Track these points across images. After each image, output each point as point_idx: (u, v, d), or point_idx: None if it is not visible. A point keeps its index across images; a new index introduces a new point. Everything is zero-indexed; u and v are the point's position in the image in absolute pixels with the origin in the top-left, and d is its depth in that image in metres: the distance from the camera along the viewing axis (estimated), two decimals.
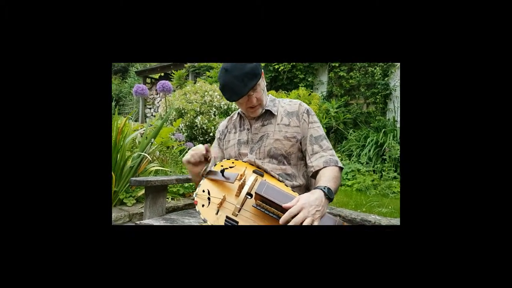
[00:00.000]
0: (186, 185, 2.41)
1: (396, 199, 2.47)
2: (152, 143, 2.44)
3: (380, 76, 4.21)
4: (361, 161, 3.39)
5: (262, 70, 1.06)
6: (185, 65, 7.21)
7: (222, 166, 1.02)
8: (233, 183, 0.93)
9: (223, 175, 0.94)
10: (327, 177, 0.95)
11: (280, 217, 0.80)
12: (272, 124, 1.10)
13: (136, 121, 8.21)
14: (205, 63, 6.56)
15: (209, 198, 0.91)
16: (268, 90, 3.91)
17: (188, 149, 3.28)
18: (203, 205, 0.90)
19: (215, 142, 1.26)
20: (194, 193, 0.94)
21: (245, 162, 1.07)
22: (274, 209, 0.83)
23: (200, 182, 0.96)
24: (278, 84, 5.08)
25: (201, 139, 3.97)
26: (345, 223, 0.91)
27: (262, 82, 1.09)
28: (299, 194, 0.87)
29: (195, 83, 4.89)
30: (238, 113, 1.21)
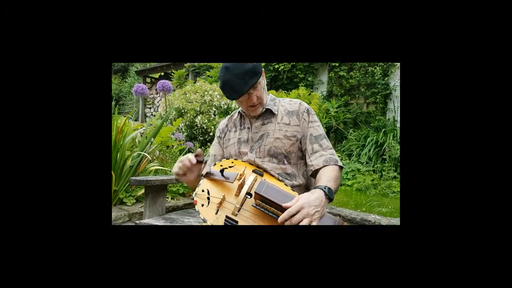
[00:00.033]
0: (186, 184, 2.41)
1: (396, 198, 2.47)
2: (152, 142, 2.44)
3: (380, 76, 4.20)
4: (361, 160, 3.39)
5: (263, 69, 1.06)
6: (185, 65, 7.21)
7: (221, 165, 1.02)
8: (232, 182, 0.93)
9: (222, 174, 0.94)
10: (328, 177, 0.94)
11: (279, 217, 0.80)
12: (273, 123, 1.10)
13: (136, 120, 8.21)
14: (205, 63, 6.55)
15: (208, 198, 0.91)
16: (268, 89, 3.90)
17: (188, 149, 3.28)
18: (202, 205, 0.90)
19: (215, 141, 1.26)
20: (194, 192, 0.94)
21: (244, 161, 1.07)
22: (273, 209, 0.83)
23: (200, 182, 0.96)
24: (278, 84, 5.08)
25: (201, 138, 3.97)
26: (345, 223, 0.91)
27: (263, 81, 1.09)
28: (299, 194, 0.87)
29: (195, 82, 4.89)
30: (239, 112, 1.21)
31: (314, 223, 0.78)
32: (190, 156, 0.99)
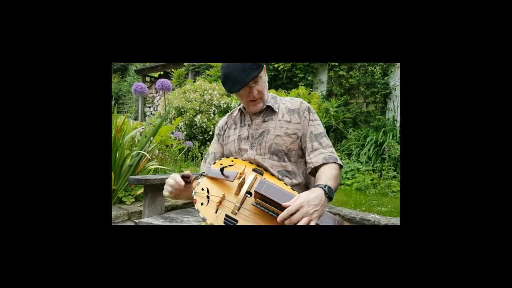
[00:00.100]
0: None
1: (396, 198, 2.48)
2: (151, 141, 2.43)
3: (380, 75, 4.20)
4: (360, 160, 3.39)
5: (264, 65, 1.06)
6: (185, 64, 7.20)
7: (221, 164, 1.01)
8: (232, 181, 0.93)
9: (222, 173, 0.94)
10: (327, 176, 0.94)
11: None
12: (273, 120, 1.10)
13: (135, 119, 8.21)
14: (205, 63, 6.54)
15: (208, 197, 0.91)
16: (268, 88, 3.89)
17: (188, 148, 3.27)
18: (202, 204, 0.89)
19: (215, 138, 1.26)
20: (193, 191, 0.93)
21: (244, 160, 1.07)
22: (273, 208, 0.82)
23: (199, 180, 0.96)
24: (277, 83, 5.08)
25: (200, 137, 3.97)
26: (346, 222, 0.91)
27: (264, 76, 1.09)
28: (299, 193, 0.87)
29: (194, 81, 4.89)
30: (239, 109, 1.21)
31: (313, 222, 0.78)
32: (178, 178, 0.95)
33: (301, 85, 4.54)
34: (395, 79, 4.16)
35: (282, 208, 0.79)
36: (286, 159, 1.07)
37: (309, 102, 3.98)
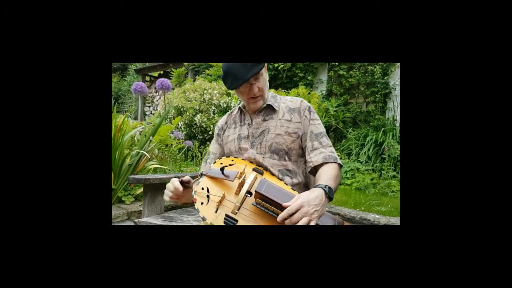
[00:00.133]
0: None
1: (395, 198, 2.48)
2: (150, 141, 2.43)
3: (380, 75, 4.21)
4: (360, 160, 3.39)
5: (266, 64, 1.06)
6: (184, 63, 7.20)
7: (221, 163, 1.01)
8: (232, 181, 0.93)
9: (222, 173, 0.94)
10: (328, 175, 0.94)
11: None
12: (274, 119, 1.10)
13: (135, 119, 8.20)
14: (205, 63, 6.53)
15: (208, 196, 0.90)
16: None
17: (187, 147, 3.27)
18: (202, 203, 0.89)
19: (214, 138, 1.26)
20: (193, 191, 0.93)
21: (244, 159, 1.07)
22: (274, 208, 0.82)
23: (199, 180, 0.96)
24: (277, 83, 5.08)
25: (200, 137, 3.97)
26: (347, 223, 0.91)
27: (265, 74, 1.09)
28: (299, 192, 0.86)
29: (194, 81, 4.89)
30: (239, 108, 1.21)
31: (313, 222, 0.78)
32: (176, 184, 0.95)
33: (301, 85, 4.54)
34: (395, 79, 4.17)
35: (283, 208, 0.79)
36: (286, 158, 1.07)
37: (309, 102, 3.98)
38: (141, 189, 2.21)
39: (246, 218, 0.86)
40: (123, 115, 2.36)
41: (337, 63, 4.66)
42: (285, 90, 4.60)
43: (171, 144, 2.93)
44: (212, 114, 3.89)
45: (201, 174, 0.98)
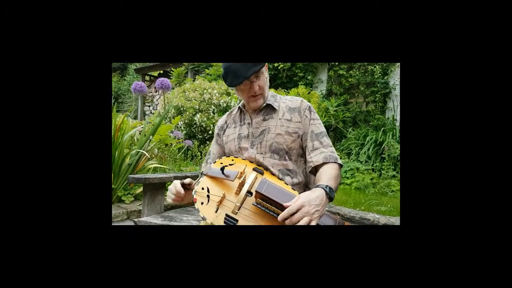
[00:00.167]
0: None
1: (395, 197, 2.48)
2: (150, 140, 2.43)
3: (380, 74, 4.20)
4: (360, 159, 3.39)
5: (266, 63, 1.05)
6: (184, 63, 7.19)
7: (221, 163, 1.01)
8: (233, 181, 0.93)
9: (223, 172, 0.94)
10: (328, 176, 0.94)
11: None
12: (274, 119, 1.10)
13: (135, 118, 8.19)
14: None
15: (208, 196, 0.90)
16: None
17: (187, 147, 3.27)
18: (202, 203, 0.89)
19: (215, 138, 1.26)
20: (193, 190, 0.93)
21: (244, 159, 1.07)
22: (274, 208, 0.82)
23: (200, 180, 0.96)
24: (277, 82, 5.07)
25: (199, 136, 3.96)
26: (347, 223, 0.91)
27: (266, 73, 1.09)
28: (299, 192, 0.86)
29: (194, 80, 4.88)
30: (239, 107, 1.20)
31: (313, 222, 0.78)
32: (178, 187, 0.96)
33: (301, 84, 4.54)
34: (395, 79, 4.16)
35: (283, 208, 0.79)
36: (287, 158, 1.07)
37: (309, 101, 3.97)
38: (141, 189, 2.21)
39: (247, 218, 0.86)
40: (123, 114, 2.36)
41: (337, 63, 4.66)
42: (285, 90, 4.59)
43: (171, 144, 2.93)
44: (212, 114, 3.89)
45: (201, 174, 0.98)
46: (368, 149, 3.42)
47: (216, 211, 0.87)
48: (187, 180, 0.99)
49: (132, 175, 1.51)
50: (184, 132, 4.02)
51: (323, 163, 1.03)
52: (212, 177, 0.96)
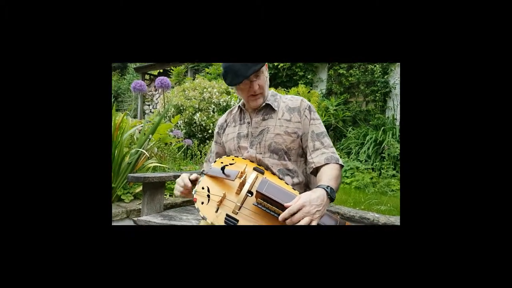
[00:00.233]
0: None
1: (395, 197, 2.48)
2: (150, 139, 2.43)
3: (380, 74, 4.20)
4: (360, 159, 3.39)
5: (266, 63, 1.05)
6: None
7: (222, 162, 1.01)
8: (233, 180, 0.92)
9: (223, 172, 0.93)
10: (329, 176, 0.94)
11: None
12: (273, 119, 1.10)
13: (134, 117, 8.19)
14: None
15: (208, 196, 0.90)
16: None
17: (187, 146, 3.26)
18: (202, 203, 0.89)
19: (215, 137, 1.26)
20: (194, 190, 0.93)
21: (245, 159, 1.07)
22: (275, 208, 0.82)
23: (200, 179, 0.96)
24: (277, 82, 5.07)
25: (199, 136, 3.96)
26: (348, 223, 0.91)
27: (266, 72, 1.09)
28: (299, 192, 0.86)
29: (194, 79, 4.88)
30: (239, 106, 1.20)
31: (314, 223, 0.78)
32: (186, 180, 0.99)
33: (301, 84, 4.53)
34: (395, 78, 4.16)
35: (284, 208, 0.79)
36: (286, 158, 1.07)
37: (309, 101, 3.97)
38: (140, 188, 2.21)
39: (247, 218, 0.86)
40: (123, 113, 2.36)
41: (337, 62, 4.66)
42: (285, 89, 4.59)
43: (171, 143, 2.93)
44: (211, 113, 3.89)
45: (202, 173, 0.98)
46: (368, 148, 3.42)
47: (217, 211, 0.87)
48: (193, 176, 1.00)
49: (131, 174, 1.51)
50: (184, 131, 4.01)
51: (325, 164, 1.02)
52: (213, 177, 0.95)
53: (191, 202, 2.13)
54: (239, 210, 0.87)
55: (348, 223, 0.91)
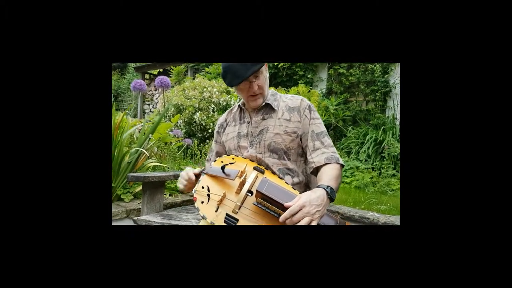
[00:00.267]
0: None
1: (395, 196, 2.48)
2: (150, 139, 2.43)
3: (380, 73, 4.20)
4: (360, 158, 3.39)
5: (266, 62, 1.05)
6: None
7: (222, 162, 1.01)
8: (233, 180, 0.92)
9: (223, 171, 0.93)
10: (329, 176, 0.94)
11: (281, 216, 0.80)
12: (273, 118, 1.10)
13: (134, 116, 8.19)
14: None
15: (208, 195, 0.90)
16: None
17: (187, 145, 3.26)
18: (202, 202, 0.89)
19: (215, 136, 1.26)
20: (193, 189, 0.93)
21: (245, 158, 1.07)
22: (275, 207, 0.82)
23: (200, 178, 0.96)
24: (277, 81, 5.06)
25: (199, 135, 3.96)
26: (348, 223, 0.91)
27: (265, 72, 1.09)
28: (299, 191, 0.86)
29: (194, 79, 4.87)
30: (239, 105, 1.20)
31: (314, 223, 0.78)
32: (190, 174, 1.00)
33: (301, 83, 4.52)
34: (395, 77, 4.16)
35: (284, 208, 0.79)
36: (285, 158, 1.07)
37: (309, 100, 3.97)
38: (140, 187, 2.21)
39: (247, 217, 0.86)
40: (122, 112, 2.35)
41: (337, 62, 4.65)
42: (285, 88, 4.58)
43: (170, 142, 2.93)
44: (211, 112, 3.88)
45: (202, 172, 0.98)
46: (368, 148, 3.41)
47: (216, 210, 0.87)
48: (197, 170, 1.01)
49: (131, 174, 1.51)
50: (184, 130, 4.01)
51: (325, 164, 1.02)
52: (213, 176, 0.95)
53: (191, 202, 2.13)
54: (239, 209, 0.87)
55: (348, 223, 0.91)
